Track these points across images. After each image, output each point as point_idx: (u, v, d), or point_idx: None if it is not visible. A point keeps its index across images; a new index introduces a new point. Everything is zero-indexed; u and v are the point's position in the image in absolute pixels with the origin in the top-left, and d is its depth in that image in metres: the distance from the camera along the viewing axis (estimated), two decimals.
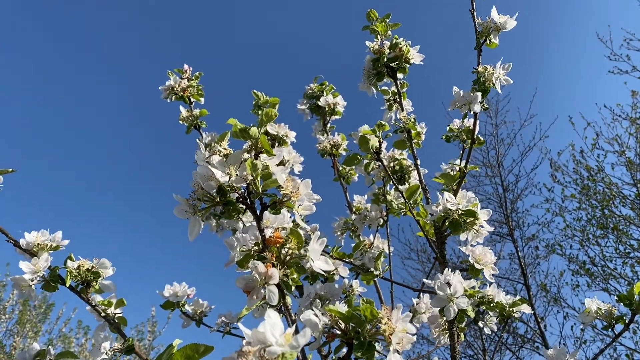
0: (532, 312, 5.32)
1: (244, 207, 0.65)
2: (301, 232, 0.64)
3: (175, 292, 1.23)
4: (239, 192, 0.64)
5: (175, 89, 1.39)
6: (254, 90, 1.59)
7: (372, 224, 1.43)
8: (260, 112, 1.63)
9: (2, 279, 7.42)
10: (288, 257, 0.60)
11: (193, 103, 1.42)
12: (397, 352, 0.59)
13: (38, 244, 0.87)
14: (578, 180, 5.85)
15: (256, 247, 0.64)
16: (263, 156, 0.65)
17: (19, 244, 0.86)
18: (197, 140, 0.66)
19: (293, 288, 0.65)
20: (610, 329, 0.91)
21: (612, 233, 5.38)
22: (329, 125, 1.71)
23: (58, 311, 7.95)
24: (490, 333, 1.21)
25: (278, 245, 0.60)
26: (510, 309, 1.15)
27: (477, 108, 1.00)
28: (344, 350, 0.59)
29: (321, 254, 0.64)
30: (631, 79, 6.40)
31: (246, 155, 0.66)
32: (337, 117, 1.71)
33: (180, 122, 1.40)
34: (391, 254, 1.44)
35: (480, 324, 1.17)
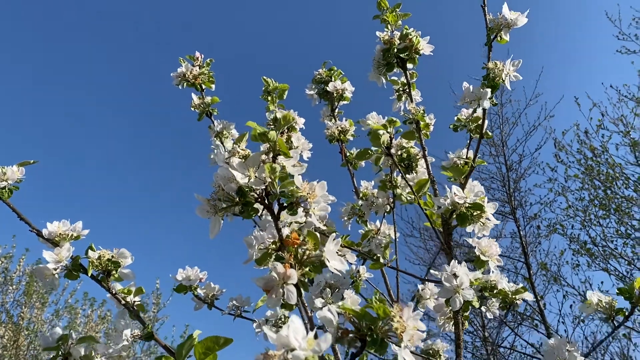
0: (532, 290, 5.39)
1: (262, 207, 0.67)
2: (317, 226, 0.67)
3: (188, 276, 1.27)
4: (257, 193, 0.67)
5: (187, 75, 1.40)
6: (264, 77, 1.61)
7: (379, 210, 1.46)
8: (270, 97, 1.65)
9: (9, 251, 7.53)
10: (305, 257, 0.63)
11: (204, 90, 1.44)
12: (407, 348, 0.62)
13: (60, 233, 0.90)
14: (582, 161, 5.86)
15: (273, 246, 0.68)
16: (280, 158, 0.68)
17: (42, 234, 0.90)
18: (217, 143, 0.69)
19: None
20: (610, 321, 0.95)
21: (614, 214, 5.42)
22: (337, 110, 1.72)
23: (64, 283, 8.08)
24: (492, 317, 1.25)
25: (296, 245, 0.63)
26: (513, 297, 1.18)
27: (486, 104, 1.01)
28: (358, 345, 0.63)
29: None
30: (639, 59, 6.34)
31: (263, 157, 0.68)
32: (345, 102, 1.72)
33: (192, 109, 1.42)
34: (397, 240, 1.47)
35: (483, 308, 1.21)
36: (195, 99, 1.41)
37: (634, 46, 6.08)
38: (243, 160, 0.66)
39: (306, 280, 0.63)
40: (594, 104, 5.93)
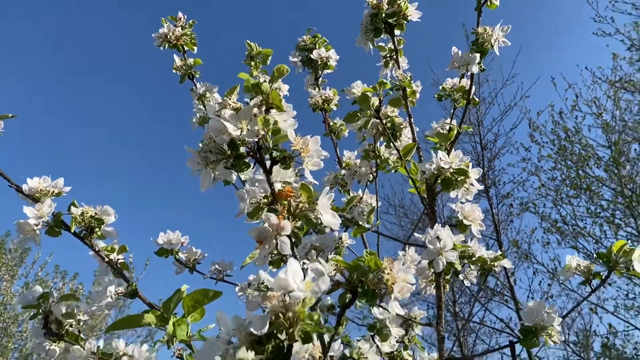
0: (503, 267, 5.52)
1: (254, 161, 0.67)
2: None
3: (170, 240, 1.26)
4: (249, 147, 0.66)
5: (168, 36, 1.37)
6: (248, 41, 1.58)
7: (361, 179, 1.46)
8: (253, 62, 1.62)
9: None
10: (298, 211, 0.63)
11: (186, 52, 1.41)
12: (397, 300, 0.63)
13: (40, 189, 0.88)
14: (555, 141, 5.97)
15: (265, 200, 0.67)
16: (273, 111, 0.67)
17: (22, 190, 0.87)
18: (211, 96, 0.67)
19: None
20: (587, 284, 0.97)
21: (584, 193, 5.56)
22: (320, 79, 1.71)
23: (34, 255, 7.96)
24: (470, 285, 1.27)
25: (289, 198, 0.63)
26: (492, 263, 1.21)
27: (474, 69, 1.02)
28: (348, 297, 0.63)
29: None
30: (614, 42, 6.44)
31: (255, 110, 0.67)
32: (329, 71, 1.70)
33: (174, 71, 1.39)
34: (378, 209, 1.48)
35: (461, 276, 1.23)
36: (177, 60, 1.38)
37: (610, 29, 6.16)
38: (235, 112, 0.65)
39: (299, 232, 0.63)
40: (569, 85, 6.03)
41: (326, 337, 0.65)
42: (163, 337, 0.68)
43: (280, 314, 0.44)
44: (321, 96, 1.60)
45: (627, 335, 5.28)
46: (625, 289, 5.34)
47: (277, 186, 0.68)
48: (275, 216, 0.59)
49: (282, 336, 0.44)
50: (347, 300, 0.63)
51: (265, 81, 0.65)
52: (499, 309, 6.10)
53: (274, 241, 0.59)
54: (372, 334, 1.21)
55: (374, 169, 1.44)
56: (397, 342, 1.26)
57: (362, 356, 1.11)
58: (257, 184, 0.69)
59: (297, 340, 0.44)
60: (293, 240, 0.63)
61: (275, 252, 0.87)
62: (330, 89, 1.62)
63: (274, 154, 0.66)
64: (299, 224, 0.64)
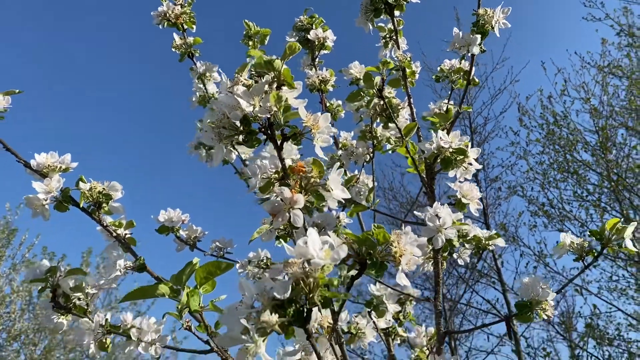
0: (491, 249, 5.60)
1: (265, 137, 0.68)
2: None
3: (170, 218, 1.27)
4: (261, 123, 0.68)
5: (168, 15, 1.37)
6: (246, 20, 1.58)
7: (358, 159, 1.48)
8: (251, 42, 1.62)
9: None
10: (309, 185, 0.65)
11: (186, 30, 1.41)
12: (404, 271, 0.66)
13: (48, 165, 0.88)
14: (544, 125, 6.03)
15: (276, 175, 0.69)
16: (284, 89, 0.68)
17: (30, 165, 0.88)
18: (222, 73, 0.68)
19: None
20: (580, 261, 1.01)
21: (571, 177, 5.63)
22: (317, 60, 1.72)
23: (21, 237, 7.91)
24: (462, 264, 1.30)
25: (301, 173, 0.65)
26: (487, 242, 1.24)
27: (475, 50, 1.03)
28: (357, 269, 0.66)
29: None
30: (603, 27, 6.48)
31: (266, 87, 0.68)
32: (326, 51, 1.71)
33: (174, 49, 1.39)
34: (375, 189, 1.51)
35: (455, 255, 1.26)
36: (177, 39, 1.38)
37: (600, 14, 6.18)
38: (247, 89, 0.67)
39: (311, 206, 0.65)
40: (558, 70, 6.07)
41: (335, 307, 0.68)
42: (177, 306, 0.70)
43: (300, 280, 0.46)
44: (318, 77, 1.61)
45: (610, 316, 5.41)
46: (609, 272, 5.46)
47: (287, 162, 0.69)
48: (288, 190, 0.61)
49: (303, 301, 0.47)
50: (356, 272, 0.65)
51: (277, 58, 0.66)
52: (485, 290, 6.21)
53: (287, 214, 0.61)
54: (369, 310, 1.24)
55: (371, 150, 1.46)
56: (392, 318, 1.29)
57: (359, 331, 1.14)
58: (266, 160, 0.71)
59: (316, 305, 0.46)
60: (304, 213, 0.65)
61: (282, 227, 0.90)
62: (327, 70, 1.63)
63: (286, 130, 0.68)
64: (308, 197, 0.66)
